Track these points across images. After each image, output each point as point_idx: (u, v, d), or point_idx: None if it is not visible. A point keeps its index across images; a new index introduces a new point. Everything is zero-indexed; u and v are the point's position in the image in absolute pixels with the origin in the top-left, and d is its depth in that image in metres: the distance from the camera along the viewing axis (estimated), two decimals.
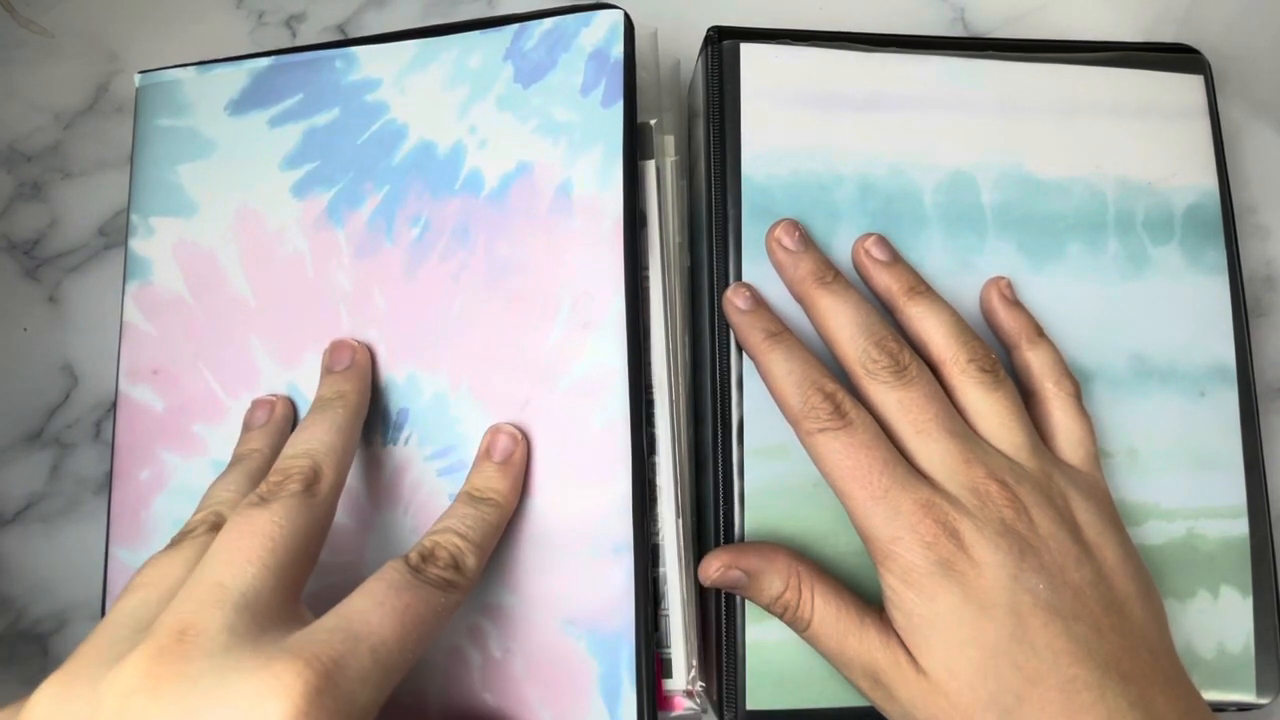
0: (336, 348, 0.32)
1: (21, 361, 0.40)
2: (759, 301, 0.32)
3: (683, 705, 0.31)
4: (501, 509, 0.29)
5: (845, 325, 0.30)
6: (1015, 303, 0.33)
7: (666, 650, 0.31)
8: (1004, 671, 0.25)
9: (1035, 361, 0.32)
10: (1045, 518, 0.28)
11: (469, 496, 0.29)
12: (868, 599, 0.30)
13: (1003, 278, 0.33)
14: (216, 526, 0.27)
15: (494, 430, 0.31)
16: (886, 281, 0.32)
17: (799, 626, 0.29)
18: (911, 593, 0.27)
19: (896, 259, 0.32)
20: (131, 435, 0.34)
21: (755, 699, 0.30)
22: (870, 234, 0.33)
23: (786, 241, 0.32)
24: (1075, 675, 0.25)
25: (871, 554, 0.28)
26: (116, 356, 0.35)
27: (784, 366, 0.30)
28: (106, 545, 0.34)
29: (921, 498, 0.27)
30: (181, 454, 0.34)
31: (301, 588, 0.25)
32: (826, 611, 0.28)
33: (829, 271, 0.32)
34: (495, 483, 0.30)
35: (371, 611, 0.23)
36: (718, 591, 0.31)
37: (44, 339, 0.40)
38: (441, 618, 0.25)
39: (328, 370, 0.32)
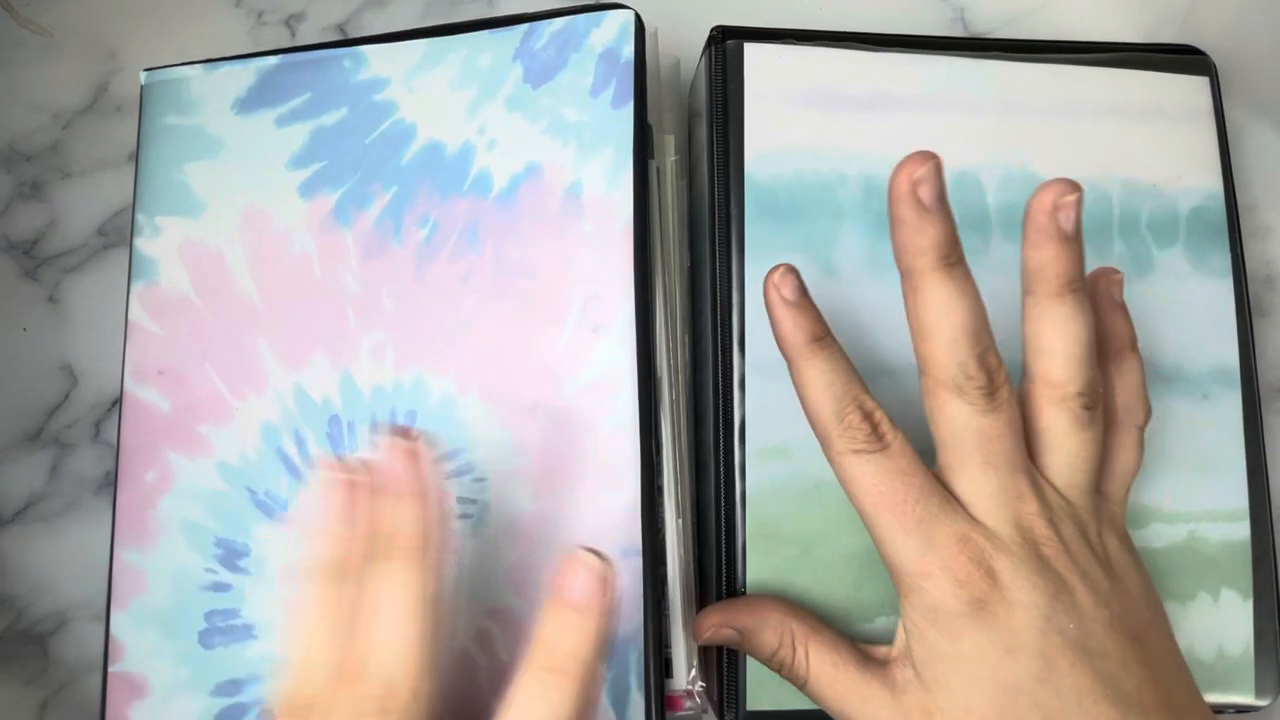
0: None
1: (21, 361, 0.40)
2: (806, 294, 0.28)
3: (683, 705, 0.31)
4: (581, 679, 0.23)
5: (944, 327, 0.26)
6: (1122, 304, 0.30)
7: (667, 650, 0.31)
8: (1023, 711, 0.25)
9: (1118, 382, 0.30)
10: (1083, 554, 0.26)
11: (536, 671, 0.24)
12: (873, 603, 0.30)
13: (1118, 272, 0.30)
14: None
15: (571, 562, 0.24)
16: (1049, 266, 0.26)
17: (796, 683, 0.28)
18: (935, 630, 0.26)
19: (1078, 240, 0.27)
20: (137, 436, 0.34)
21: (755, 699, 0.30)
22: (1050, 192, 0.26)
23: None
24: (1098, 714, 0.24)
25: (895, 582, 0.27)
26: (121, 356, 0.35)
27: (825, 378, 0.27)
28: (112, 546, 0.33)
29: (958, 532, 0.26)
30: (188, 455, 0.33)
31: None
32: (823, 669, 0.27)
33: (956, 249, 0.26)
34: (572, 642, 0.23)
35: None
36: (718, 591, 0.31)
37: (43, 339, 0.40)
38: None
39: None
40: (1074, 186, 0.25)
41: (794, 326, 0.28)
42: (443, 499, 0.25)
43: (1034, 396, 0.27)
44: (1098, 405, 0.27)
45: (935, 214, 0.25)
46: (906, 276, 0.26)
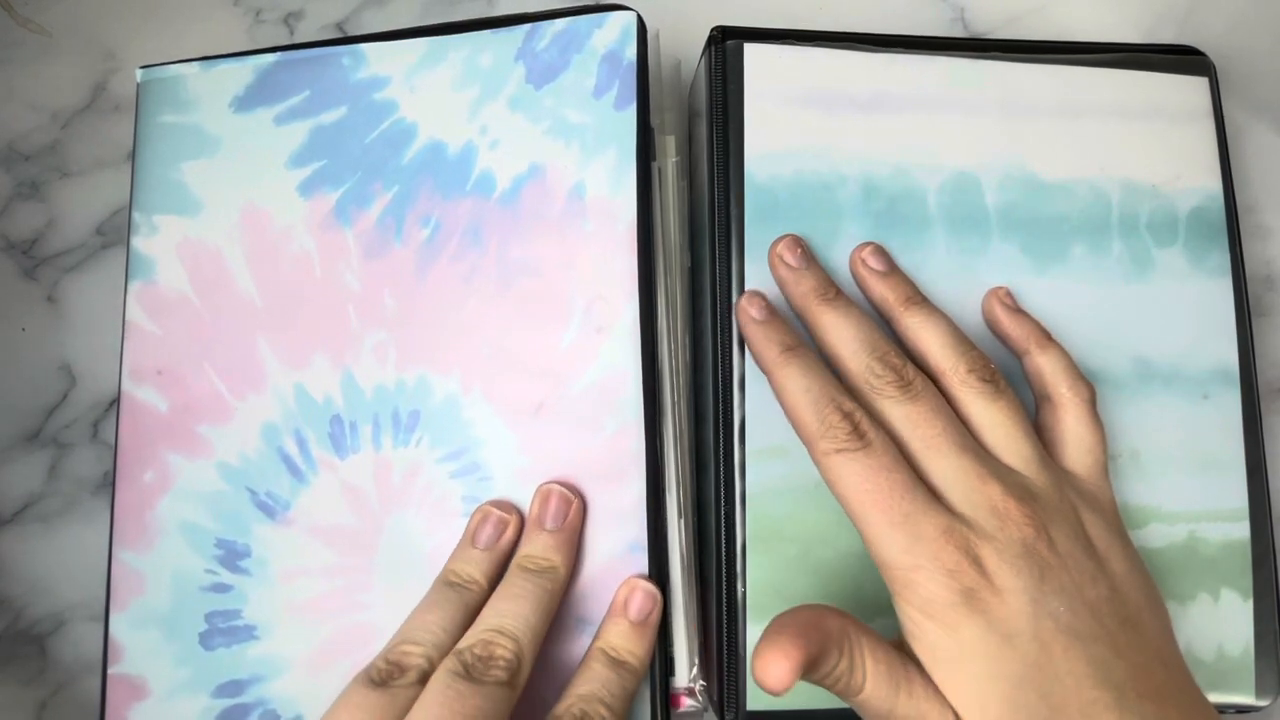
0: (549, 498, 0.30)
1: (19, 361, 0.40)
2: (774, 312, 0.32)
3: (684, 703, 0.31)
4: (639, 675, 0.28)
5: (848, 341, 0.30)
6: (1018, 310, 0.33)
7: (669, 647, 0.31)
8: (1030, 701, 0.25)
9: (1047, 366, 0.31)
10: (1062, 534, 0.27)
11: (606, 656, 0.28)
12: (873, 603, 0.30)
13: (1001, 287, 0.33)
14: (427, 676, 0.26)
15: (631, 586, 0.30)
16: (882, 292, 0.32)
17: (850, 693, 0.26)
18: (933, 625, 0.26)
19: (893, 269, 0.32)
20: (135, 436, 0.34)
21: (756, 699, 0.30)
22: (868, 243, 0.33)
23: (789, 258, 0.32)
24: (1095, 698, 0.25)
25: (888, 581, 0.27)
26: (119, 356, 0.34)
27: (801, 383, 0.29)
28: (110, 548, 0.33)
29: (942, 523, 0.26)
30: (186, 455, 0.33)
31: None
32: (878, 672, 0.26)
33: (831, 288, 0.31)
34: (633, 644, 0.29)
35: None
36: (718, 591, 0.31)
37: (42, 339, 0.40)
38: None
39: (538, 524, 0.30)
40: (874, 247, 0.33)
41: (766, 341, 0.31)
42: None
43: (944, 391, 0.30)
44: (994, 377, 0.30)
45: (805, 268, 0.32)
46: (803, 318, 0.32)
